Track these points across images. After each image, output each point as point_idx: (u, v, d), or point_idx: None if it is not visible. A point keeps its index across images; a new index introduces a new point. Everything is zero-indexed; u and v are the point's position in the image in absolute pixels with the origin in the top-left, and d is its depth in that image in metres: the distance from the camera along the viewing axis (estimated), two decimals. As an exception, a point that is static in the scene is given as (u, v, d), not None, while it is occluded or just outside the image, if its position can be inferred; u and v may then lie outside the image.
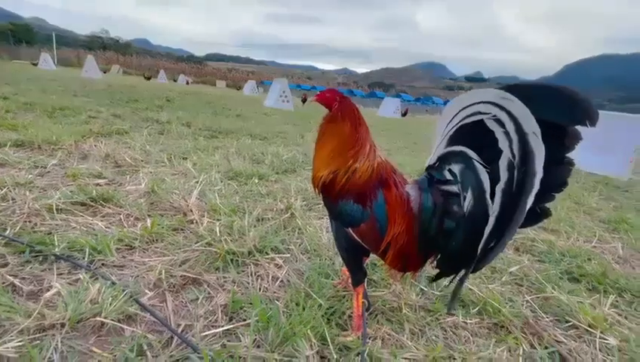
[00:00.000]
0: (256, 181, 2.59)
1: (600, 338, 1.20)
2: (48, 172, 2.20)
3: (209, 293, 1.21)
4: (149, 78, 31.14)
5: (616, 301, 1.52)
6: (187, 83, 37.07)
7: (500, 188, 0.73)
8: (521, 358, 1.09)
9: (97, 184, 2.09)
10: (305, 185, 2.62)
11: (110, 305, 1.00)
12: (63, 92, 7.58)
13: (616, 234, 2.55)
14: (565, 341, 1.19)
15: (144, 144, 3.31)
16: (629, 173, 6.08)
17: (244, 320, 1.09)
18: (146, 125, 4.59)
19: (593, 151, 6.17)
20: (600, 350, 1.16)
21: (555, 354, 1.12)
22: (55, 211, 1.63)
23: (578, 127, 0.70)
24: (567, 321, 1.31)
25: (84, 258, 1.28)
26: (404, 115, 22.73)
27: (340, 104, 1.10)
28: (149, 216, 1.74)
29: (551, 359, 1.10)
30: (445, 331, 1.19)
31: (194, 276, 1.28)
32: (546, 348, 1.15)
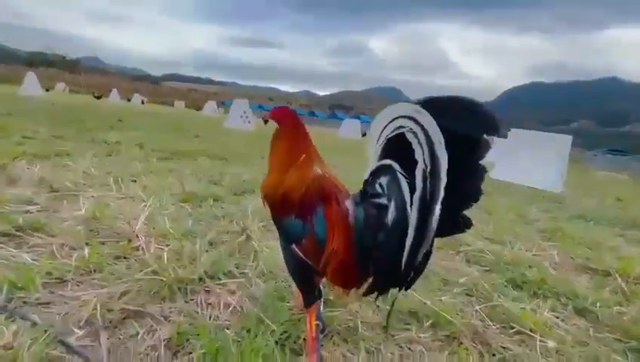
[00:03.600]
0: (211, 203, 2.50)
1: (540, 341, 1.28)
2: (-35, 199, 1.94)
3: (152, 327, 1.11)
4: (99, 97, 29.33)
5: (555, 304, 1.64)
6: (142, 103, 35.51)
7: (416, 197, 0.75)
8: (472, 368, 1.12)
9: (27, 211, 1.87)
10: (263, 205, 2.57)
11: (27, 349, 0.87)
12: (-6, 111, 6.86)
13: (552, 243, 2.79)
14: (511, 346, 1.25)
15: (88, 167, 3.06)
16: (560, 187, 6.78)
17: (190, 353, 1.01)
18: (92, 147, 4.28)
19: (530, 167, 6.85)
20: (541, 353, 1.23)
21: (502, 361, 1.17)
22: (-31, 244, 1.42)
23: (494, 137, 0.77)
24: (512, 327, 1.38)
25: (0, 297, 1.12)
26: (364, 135, 23.61)
27: (282, 118, 1.14)
28: (87, 244, 1.58)
29: (499, 366, 1.15)
30: (401, 347, 1.20)
31: (135, 308, 1.17)
32: (494, 355, 1.20)
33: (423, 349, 1.20)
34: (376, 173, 0.90)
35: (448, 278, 1.78)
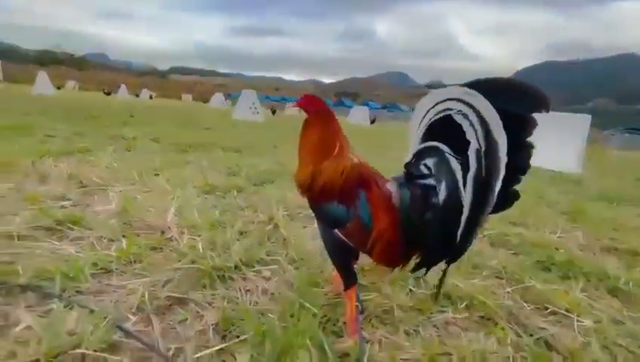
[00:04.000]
0: (235, 194, 2.54)
1: (577, 321, 1.29)
2: (3, 196, 2.01)
3: (198, 312, 1.15)
4: (108, 94, 29.67)
5: (586, 285, 1.64)
6: (151, 97, 35.75)
7: (471, 176, 0.78)
8: (509, 347, 1.14)
9: (62, 206, 1.94)
10: (285, 195, 2.60)
11: (91, 334, 0.93)
12: (11, 110, 7.03)
13: (576, 224, 2.76)
14: (547, 327, 1.26)
15: (110, 162, 3.14)
16: (579, 168, 6.63)
17: (238, 337, 1.05)
18: (111, 142, 4.36)
19: (549, 149, 6.69)
20: (578, 332, 1.24)
21: (540, 340, 1.19)
22: (16, 238, 1.49)
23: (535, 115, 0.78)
24: (546, 308, 1.39)
25: (54, 287, 1.18)
26: (372, 122, 23.37)
27: (313, 108, 1.15)
28: (123, 236, 1.64)
29: (537, 345, 1.16)
30: (438, 329, 1.22)
31: (180, 296, 1.22)
32: (531, 335, 1.21)
33: (460, 330, 1.22)
34: (420, 155, 0.91)
35: (476, 262, 1.78)
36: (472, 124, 0.76)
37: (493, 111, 0.74)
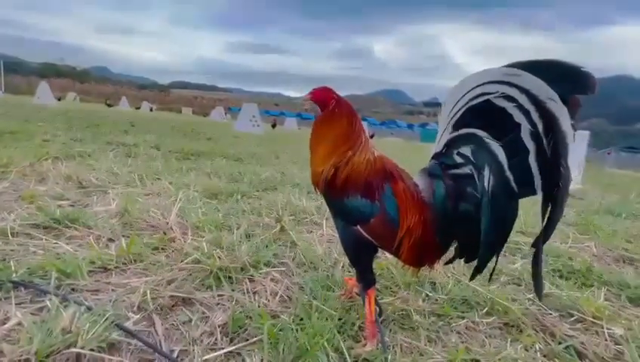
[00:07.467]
0: (239, 197, 2.47)
1: (606, 328, 1.21)
2: (-1, 195, 1.94)
3: (203, 313, 1.07)
4: (110, 105, 29.84)
5: (607, 294, 1.56)
6: (151, 110, 35.98)
7: (532, 158, 0.74)
8: (538, 354, 1.06)
9: (60, 206, 1.86)
10: (289, 201, 2.53)
11: (87, 333, 0.84)
12: (12, 117, 6.99)
13: (586, 235, 2.70)
14: (575, 334, 1.18)
15: (110, 166, 3.07)
16: (580, 183, 6.62)
17: (247, 339, 0.97)
18: (111, 148, 4.30)
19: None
20: (609, 340, 1.16)
21: (570, 349, 1.11)
22: (10, 235, 1.41)
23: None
24: (571, 315, 1.31)
25: (49, 283, 1.09)
26: (371, 137, 23.55)
27: (336, 102, 1.10)
28: (123, 236, 1.56)
29: (567, 353, 1.08)
30: (460, 334, 1.14)
31: (184, 295, 1.13)
32: (560, 343, 1.13)
33: (483, 336, 1.14)
34: (452, 144, 0.86)
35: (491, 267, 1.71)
36: (519, 105, 0.72)
37: (546, 87, 0.70)
